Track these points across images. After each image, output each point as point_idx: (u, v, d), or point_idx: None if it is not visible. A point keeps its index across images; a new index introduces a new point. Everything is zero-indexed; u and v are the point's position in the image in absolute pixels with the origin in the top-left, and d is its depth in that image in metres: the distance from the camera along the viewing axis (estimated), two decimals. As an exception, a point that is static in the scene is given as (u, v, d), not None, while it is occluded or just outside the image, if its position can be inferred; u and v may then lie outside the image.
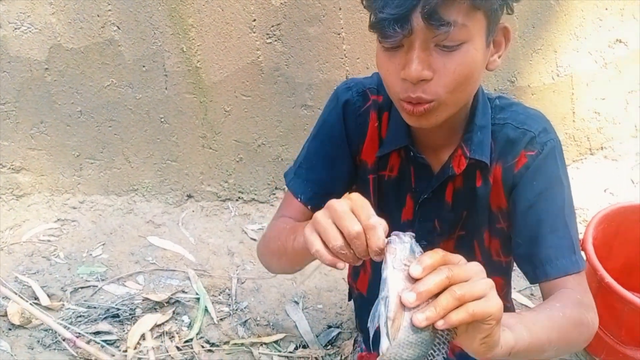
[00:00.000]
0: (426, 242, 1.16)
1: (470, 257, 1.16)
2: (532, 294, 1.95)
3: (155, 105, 2.04)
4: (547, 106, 2.34)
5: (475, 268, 0.68)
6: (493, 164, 1.05)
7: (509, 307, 1.28)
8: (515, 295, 1.93)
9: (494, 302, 0.66)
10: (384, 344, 0.64)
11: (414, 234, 0.70)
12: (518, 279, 1.99)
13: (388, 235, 0.70)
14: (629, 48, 2.41)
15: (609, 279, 1.47)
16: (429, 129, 0.96)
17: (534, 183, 1.02)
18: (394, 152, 1.11)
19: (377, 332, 0.67)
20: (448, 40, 0.80)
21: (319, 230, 0.73)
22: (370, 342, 0.71)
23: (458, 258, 0.68)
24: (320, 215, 0.73)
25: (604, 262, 1.65)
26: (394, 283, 0.65)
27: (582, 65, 2.35)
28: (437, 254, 0.65)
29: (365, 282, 1.40)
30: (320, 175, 1.13)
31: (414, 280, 0.64)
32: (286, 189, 1.17)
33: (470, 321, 0.64)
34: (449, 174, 1.05)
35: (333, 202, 0.72)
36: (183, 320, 1.76)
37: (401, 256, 0.67)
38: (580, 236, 1.62)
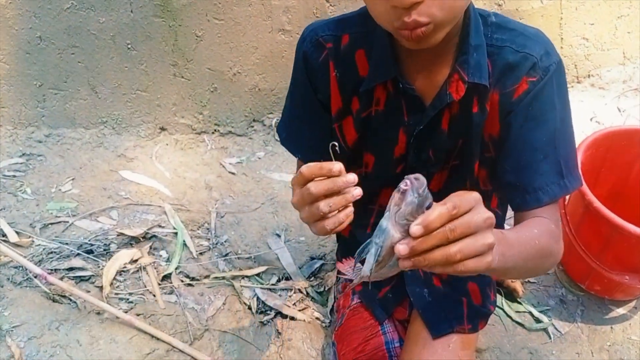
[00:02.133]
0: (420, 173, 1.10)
1: (460, 187, 1.12)
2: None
3: (121, 29, 1.90)
4: (534, 31, 2.26)
5: (479, 218, 0.65)
6: (490, 89, 0.98)
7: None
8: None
9: (484, 262, 0.66)
10: (366, 269, 0.72)
11: (424, 183, 0.67)
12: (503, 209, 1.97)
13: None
14: None
15: (597, 203, 1.44)
16: (417, 54, 0.92)
17: (529, 109, 0.97)
18: (379, 86, 1.02)
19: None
20: None
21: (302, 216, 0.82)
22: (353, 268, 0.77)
23: (469, 202, 0.66)
24: (295, 201, 0.82)
25: (592, 188, 1.62)
26: (391, 235, 0.68)
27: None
28: (443, 212, 0.63)
29: (347, 228, 1.35)
30: (305, 135, 1.13)
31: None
32: None
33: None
34: (446, 102, 0.97)
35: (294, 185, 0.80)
36: (161, 255, 1.70)
37: (406, 211, 0.66)
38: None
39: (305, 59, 1.05)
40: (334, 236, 1.65)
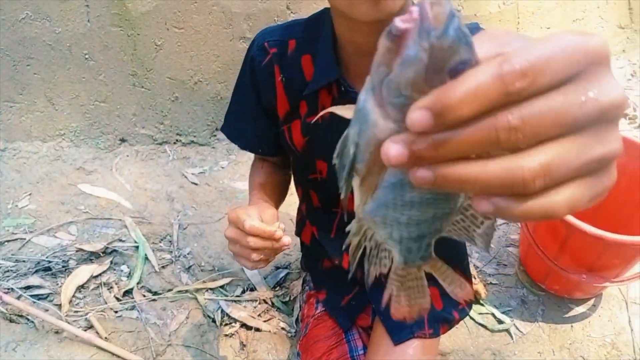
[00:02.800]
0: None
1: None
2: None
3: (78, 40, 1.86)
4: (492, 36, 2.30)
5: (594, 103, 0.29)
6: None
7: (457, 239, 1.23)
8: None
9: (601, 187, 0.32)
10: (356, 204, 0.42)
11: (452, 15, 0.28)
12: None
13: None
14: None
15: (555, 205, 1.47)
16: (361, 59, 0.91)
17: None
18: (324, 91, 1.02)
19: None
20: None
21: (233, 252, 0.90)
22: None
23: (563, 63, 0.28)
24: (229, 236, 0.89)
25: (550, 190, 1.65)
26: (373, 122, 0.34)
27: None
28: (491, 81, 0.27)
29: (308, 235, 1.37)
30: (248, 134, 1.14)
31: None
32: None
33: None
34: None
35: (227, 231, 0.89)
36: (122, 270, 1.67)
37: (403, 78, 0.31)
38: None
39: (251, 63, 1.06)
40: (299, 245, 1.65)
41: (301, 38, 1.03)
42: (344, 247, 0.51)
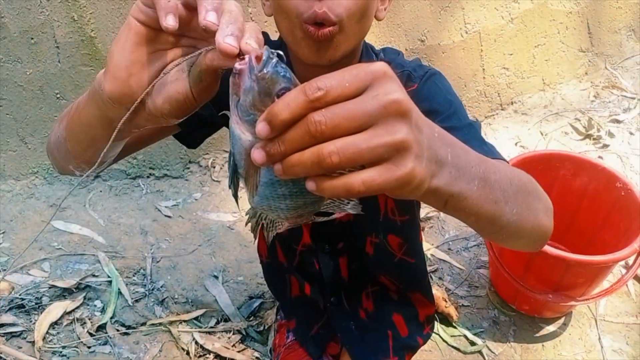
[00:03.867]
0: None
1: (373, 216, 1.14)
2: (449, 249, 2.00)
3: (49, 80, 1.89)
4: (457, 64, 2.37)
5: (373, 103, 0.42)
6: None
7: (413, 263, 1.26)
8: (433, 251, 1.97)
9: (398, 172, 0.43)
10: (248, 197, 0.54)
11: (279, 53, 0.47)
12: (435, 235, 2.03)
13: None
14: (533, 2, 2.46)
15: (516, 227, 1.51)
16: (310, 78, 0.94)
17: (425, 108, 0.99)
18: None
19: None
20: None
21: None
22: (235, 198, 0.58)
23: (355, 80, 0.42)
24: None
25: (514, 212, 1.69)
26: (238, 137, 0.48)
27: (489, 21, 2.38)
28: (298, 98, 0.42)
29: (265, 248, 1.38)
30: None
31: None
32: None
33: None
34: None
35: None
36: (95, 305, 1.68)
37: (246, 102, 0.46)
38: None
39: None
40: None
41: None
42: (245, 224, 0.65)
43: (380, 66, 0.43)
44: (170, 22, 0.51)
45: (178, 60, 0.57)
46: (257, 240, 1.42)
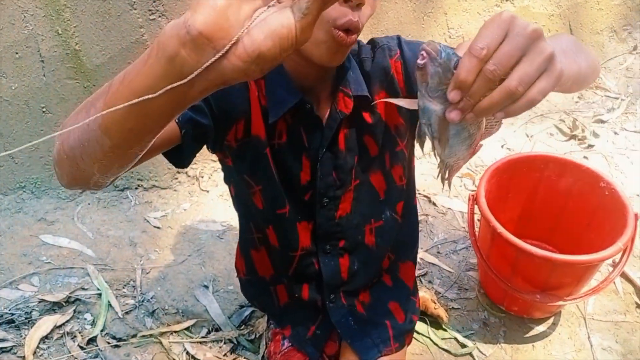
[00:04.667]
0: (328, 199, 1.15)
1: (372, 200, 1.19)
2: (438, 252, 2.01)
3: (34, 94, 1.89)
4: (442, 68, 2.39)
5: (520, 38, 0.55)
6: (374, 96, 1.07)
7: (412, 222, 1.37)
8: (422, 255, 1.98)
9: (555, 75, 0.57)
10: (438, 150, 0.71)
11: (438, 47, 0.61)
12: (424, 238, 2.04)
13: None
14: (515, 6, 2.49)
15: (501, 229, 1.52)
16: (312, 80, 1.00)
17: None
18: (281, 119, 1.07)
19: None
20: None
21: None
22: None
23: (499, 29, 0.56)
24: None
25: (501, 213, 1.71)
26: (434, 111, 0.64)
27: (472, 25, 2.41)
28: (472, 63, 0.55)
29: (243, 265, 1.41)
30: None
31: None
32: None
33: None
34: (339, 118, 1.04)
35: None
36: (85, 319, 1.68)
37: (434, 83, 0.61)
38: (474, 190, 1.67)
39: None
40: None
41: None
42: (436, 177, 0.84)
43: (506, 14, 0.56)
44: None
45: None
46: (236, 258, 1.45)
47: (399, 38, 1.08)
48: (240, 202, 1.27)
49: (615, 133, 2.59)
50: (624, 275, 1.95)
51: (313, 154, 1.09)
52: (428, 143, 0.70)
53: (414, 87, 1.00)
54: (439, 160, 0.77)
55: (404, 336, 1.39)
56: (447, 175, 0.83)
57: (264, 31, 0.48)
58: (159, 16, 1.91)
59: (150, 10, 1.89)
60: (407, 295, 1.44)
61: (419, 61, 0.60)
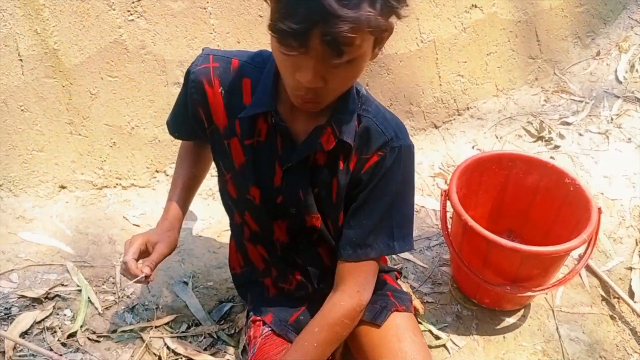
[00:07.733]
0: (295, 209, 1.20)
1: (317, 234, 1.28)
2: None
3: (13, 92, 1.90)
4: (414, 72, 2.46)
5: None
6: (353, 150, 1.12)
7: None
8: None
9: None
10: None
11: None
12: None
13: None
14: (484, 12, 2.58)
15: (472, 222, 1.59)
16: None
17: (375, 179, 1.14)
18: (261, 118, 1.12)
19: None
20: (342, 59, 0.82)
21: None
22: None
23: None
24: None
25: (473, 209, 1.78)
26: None
27: (443, 30, 2.49)
28: None
29: (238, 260, 1.50)
30: (183, 129, 1.34)
31: None
32: None
33: None
34: (316, 148, 1.09)
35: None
36: (65, 314, 1.68)
37: None
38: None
39: (192, 72, 1.14)
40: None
41: (244, 62, 1.12)
42: None
43: None
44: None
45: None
46: (230, 256, 1.56)
47: (401, 148, 1.13)
48: (221, 192, 1.35)
49: (580, 134, 2.69)
50: (590, 270, 2.03)
51: (283, 162, 1.15)
52: None
53: (359, 185, 1.16)
54: None
55: (407, 303, 1.44)
56: None
57: None
58: (138, 17, 1.93)
59: (129, 11, 1.91)
60: (395, 276, 1.56)
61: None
